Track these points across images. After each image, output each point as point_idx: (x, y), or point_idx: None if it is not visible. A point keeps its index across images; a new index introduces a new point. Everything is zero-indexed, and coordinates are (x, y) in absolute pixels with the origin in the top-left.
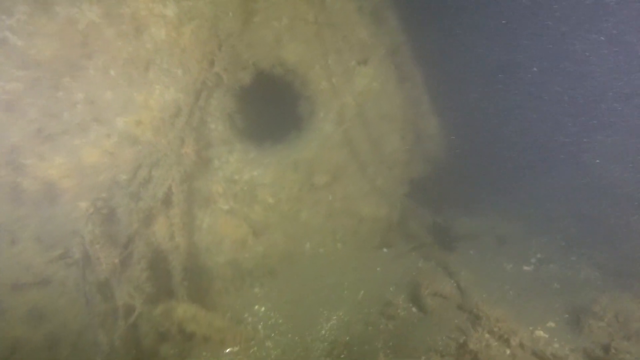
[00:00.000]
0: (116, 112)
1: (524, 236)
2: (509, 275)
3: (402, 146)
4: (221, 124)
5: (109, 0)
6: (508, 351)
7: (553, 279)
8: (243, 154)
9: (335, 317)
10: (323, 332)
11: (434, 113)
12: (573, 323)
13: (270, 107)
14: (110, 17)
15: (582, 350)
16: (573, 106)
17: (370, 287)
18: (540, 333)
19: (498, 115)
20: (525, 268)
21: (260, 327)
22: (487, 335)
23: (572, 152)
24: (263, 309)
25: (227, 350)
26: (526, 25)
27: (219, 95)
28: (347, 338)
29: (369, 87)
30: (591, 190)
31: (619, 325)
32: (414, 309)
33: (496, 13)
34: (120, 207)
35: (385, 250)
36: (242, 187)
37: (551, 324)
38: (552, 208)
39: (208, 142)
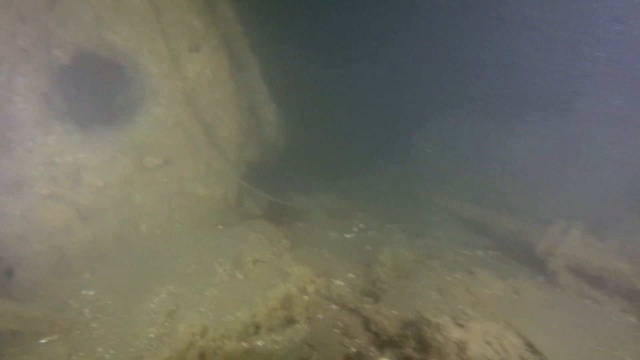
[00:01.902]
0: None
1: (351, 211)
2: (330, 241)
3: (237, 131)
4: (34, 104)
5: None
6: (306, 297)
7: (367, 243)
8: (64, 135)
9: (165, 291)
10: (152, 305)
11: (271, 101)
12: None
13: (98, 89)
14: None
15: (360, 288)
16: (398, 100)
17: (202, 261)
18: (338, 282)
19: (336, 106)
20: (346, 235)
21: (86, 310)
22: (292, 287)
23: (402, 142)
24: (92, 292)
25: (43, 341)
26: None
27: (29, 72)
28: (174, 307)
29: (201, 73)
30: (415, 174)
31: (395, 268)
32: (238, 275)
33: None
34: None
35: (220, 227)
36: (64, 170)
37: (351, 275)
38: (380, 189)
39: (16, 122)
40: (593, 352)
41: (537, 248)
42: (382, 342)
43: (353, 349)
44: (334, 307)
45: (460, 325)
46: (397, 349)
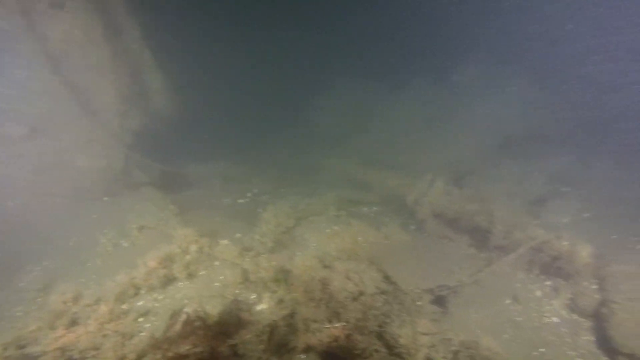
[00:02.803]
0: None
1: (248, 177)
2: (223, 206)
3: (117, 98)
4: None
5: None
6: (188, 257)
7: (259, 206)
8: None
9: (38, 268)
10: (22, 284)
11: (157, 67)
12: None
13: None
14: None
15: (244, 245)
16: (297, 68)
17: (85, 233)
18: (224, 241)
19: (233, 74)
20: (240, 201)
21: None
22: (176, 248)
23: (301, 109)
24: None
25: None
26: None
27: None
28: (48, 282)
29: (68, 33)
30: (312, 139)
31: (278, 225)
32: (123, 243)
33: None
34: None
35: (106, 199)
36: None
37: (238, 235)
38: (278, 155)
39: None
40: (437, 277)
41: (407, 199)
42: (260, 289)
43: (232, 297)
44: (216, 263)
45: (327, 267)
46: (271, 293)
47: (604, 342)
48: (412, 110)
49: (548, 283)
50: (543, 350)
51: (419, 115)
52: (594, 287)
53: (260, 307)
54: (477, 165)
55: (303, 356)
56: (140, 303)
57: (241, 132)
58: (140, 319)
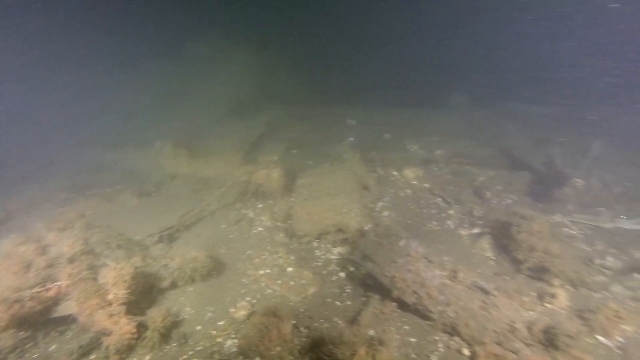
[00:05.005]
0: None
1: None
2: None
3: None
4: None
5: None
6: None
7: None
8: None
9: None
10: None
11: None
12: None
13: None
14: None
15: None
16: None
17: None
18: None
19: None
20: None
21: None
22: None
23: None
24: None
25: None
26: None
27: None
28: None
29: None
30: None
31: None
32: None
33: None
34: None
35: None
36: None
37: None
38: None
39: None
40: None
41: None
42: None
43: None
44: None
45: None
46: None
47: (292, 234)
48: (145, 89)
49: (259, 205)
50: (249, 252)
51: (155, 93)
52: (288, 199)
53: None
54: (206, 127)
55: None
56: None
57: None
58: None
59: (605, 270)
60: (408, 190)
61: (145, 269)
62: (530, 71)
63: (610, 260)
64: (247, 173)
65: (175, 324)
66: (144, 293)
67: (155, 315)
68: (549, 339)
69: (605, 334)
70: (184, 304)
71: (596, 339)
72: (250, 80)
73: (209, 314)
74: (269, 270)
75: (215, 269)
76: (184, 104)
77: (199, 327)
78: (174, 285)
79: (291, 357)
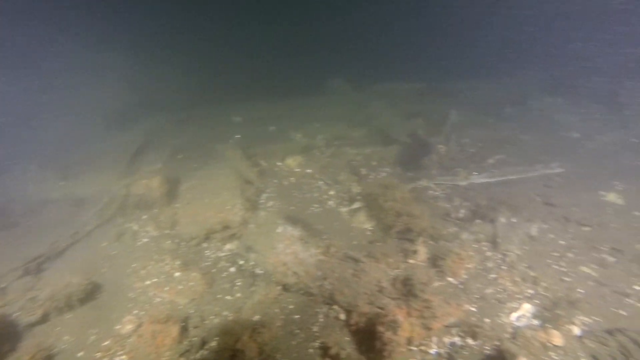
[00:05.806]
0: None
1: None
2: None
3: None
4: None
5: None
6: None
7: None
8: None
9: None
10: None
11: None
12: None
13: None
14: None
15: None
16: None
17: None
18: None
19: None
20: None
21: None
22: None
23: None
24: None
25: None
26: None
27: None
28: None
29: None
30: None
31: None
32: None
33: None
34: None
35: None
36: None
37: None
38: None
39: None
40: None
41: None
42: None
43: None
44: None
45: None
46: None
47: (180, 239)
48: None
49: (144, 216)
50: (135, 265)
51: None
52: (173, 205)
53: None
54: (79, 144)
55: None
56: None
57: None
58: None
59: (458, 221)
60: (292, 179)
61: (5, 309)
62: (403, 51)
63: (462, 212)
64: (125, 186)
65: (49, 357)
66: (4, 335)
67: (20, 355)
68: (408, 290)
69: (454, 275)
70: (61, 334)
71: (447, 280)
72: (128, 88)
73: (92, 337)
74: (155, 280)
75: (96, 289)
76: (48, 121)
77: (80, 354)
78: (45, 318)
79: (183, 359)
